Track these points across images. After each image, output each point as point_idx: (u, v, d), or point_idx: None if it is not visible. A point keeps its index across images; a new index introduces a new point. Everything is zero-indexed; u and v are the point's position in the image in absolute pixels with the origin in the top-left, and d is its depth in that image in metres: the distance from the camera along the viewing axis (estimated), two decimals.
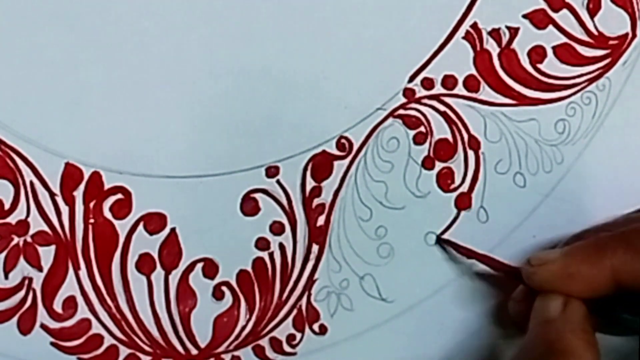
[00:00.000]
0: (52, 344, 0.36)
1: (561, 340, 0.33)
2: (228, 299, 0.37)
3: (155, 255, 0.37)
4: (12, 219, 0.36)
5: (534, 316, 0.35)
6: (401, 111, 0.39)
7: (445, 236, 0.39)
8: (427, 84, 0.39)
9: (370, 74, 0.38)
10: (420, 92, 0.39)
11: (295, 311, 0.38)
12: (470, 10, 0.39)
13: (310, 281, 0.38)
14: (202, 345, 0.37)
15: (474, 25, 0.39)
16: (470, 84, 0.39)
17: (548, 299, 0.35)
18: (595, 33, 0.40)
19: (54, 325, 0.36)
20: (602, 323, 0.36)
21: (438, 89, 0.39)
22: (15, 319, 0.36)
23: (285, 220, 0.38)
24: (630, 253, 0.34)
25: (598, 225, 0.40)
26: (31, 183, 0.36)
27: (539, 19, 0.40)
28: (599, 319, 0.35)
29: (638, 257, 0.34)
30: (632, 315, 0.35)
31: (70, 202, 0.36)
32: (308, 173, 0.38)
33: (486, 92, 0.39)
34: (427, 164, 0.39)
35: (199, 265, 0.37)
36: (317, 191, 0.38)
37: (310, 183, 0.38)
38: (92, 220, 0.36)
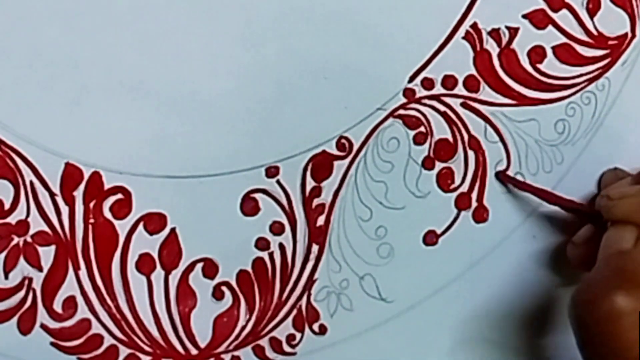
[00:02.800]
0: (52, 344, 0.36)
1: (635, 269, 0.33)
2: (228, 299, 0.37)
3: (155, 255, 0.37)
4: (12, 219, 0.36)
5: (604, 248, 0.35)
6: (401, 111, 0.39)
7: (445, 236, 0.39)
8: (427, 84, 0.39)
9: (370, 74, 0.38)
10: (420, 92, 0.39)
11: (295, 311, 0.38)
12: (470, 10, 0.39)
13: (310, 281, 0.38)
14: (202, 345, 0.37)
15: (474, 26, 0.39)
16: (470, 84, 0.39)
17: (622, 231, 0.35)
18: (595, 33, 0.40)
19: (54, 325, 0.36)
20: None
21: (438, 89, 0.39)
22: (15, 319, 0.36)
23: (285, 220, 0.38)
24: None
25: None
26: (31, 183, 0.36)
27: (538, 19, 0.40)
28: None
29: None
30: None
31: (70, 202, 0.36)
32: (308, 173, 0.38)
33: (486, 92, 0.39)
34: (427, 164, 0.39)
35: (199, 265, 0.37)
36: (317, 191, 0.38)
37: (310, 183, 0.38)
38: (92, 220, 0.36)
